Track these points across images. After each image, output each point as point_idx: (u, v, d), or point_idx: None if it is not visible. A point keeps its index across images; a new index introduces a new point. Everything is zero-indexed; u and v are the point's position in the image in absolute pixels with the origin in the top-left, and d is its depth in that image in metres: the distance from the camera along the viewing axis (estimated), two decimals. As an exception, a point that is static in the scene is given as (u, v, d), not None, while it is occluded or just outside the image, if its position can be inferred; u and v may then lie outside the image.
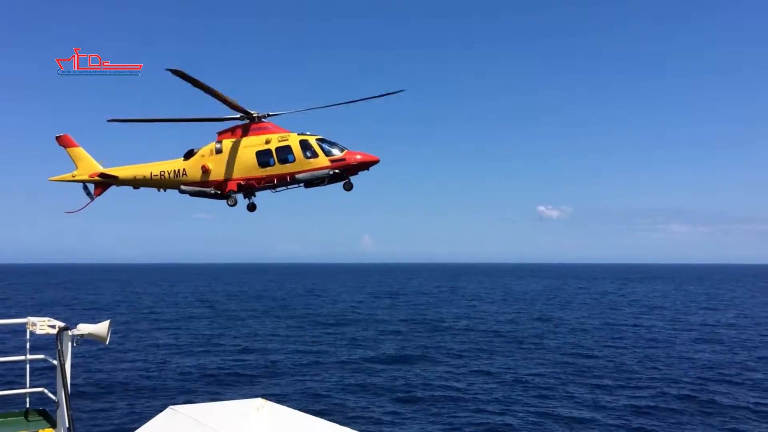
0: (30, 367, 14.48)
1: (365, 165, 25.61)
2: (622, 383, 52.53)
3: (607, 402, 46.40)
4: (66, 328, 12.15)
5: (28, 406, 14.97)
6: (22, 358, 14.31)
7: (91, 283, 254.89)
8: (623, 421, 41.56)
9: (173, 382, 53.21)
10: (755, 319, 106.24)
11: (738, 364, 61.30)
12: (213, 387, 51.29)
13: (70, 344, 12.25)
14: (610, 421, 41.51)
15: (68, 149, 27.41)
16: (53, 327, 12.40)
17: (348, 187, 25.74)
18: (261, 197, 27.24)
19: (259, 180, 25.99)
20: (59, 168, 27.91)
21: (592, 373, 56.94)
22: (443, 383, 52.71)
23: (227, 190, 26.16)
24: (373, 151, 25.89)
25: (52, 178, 27.51)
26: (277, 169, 25.66)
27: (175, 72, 22.63)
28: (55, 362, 12.21)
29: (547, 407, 44.98)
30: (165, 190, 27.39)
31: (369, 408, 44.96)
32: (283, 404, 12.20)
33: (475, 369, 58.95)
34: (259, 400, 11.84)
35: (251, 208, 27.07)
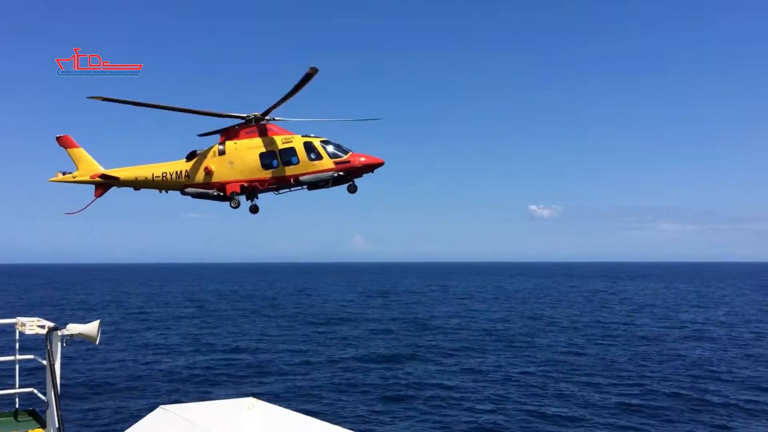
0: (19, 368, 14.41)
1: (369, 167, 25.42)
2: (613, 381, 52.72)
3: (598, 400, 46.56)
4: (55, 328, 12.09)
5: (17, 406, 14.90)
6: (11, 358, 14.24)
7: (81, 283, 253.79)
8: (614, 420, 41.72)
9: (163, 381, 53.04)
10: (745, 316, 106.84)
11: (728, 362, 61.63)
12: (204, 386, 51.16)
13: (59, 344, 12.19)
14: (601, 420, 41.66)
15: (69, 150, 27.07)
16: (43, 327, 12.34)
17: (352, 189, 25.51)
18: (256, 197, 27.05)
19: (262, 182, 25.76)
20: (59, 169, 27.50)
21: (583, 371, 57.13)
22: (434, 382, 52.76)
23: (230, 192, 25.92)
24: (367, 150, 25.79)
25: (52, 179, 27.19)
26: (281, 171, 25.44)
27: (101, 98, 22.64)
28: (44, 362, 12.15)
29: (538, 405, 45.09)
30: (167, 192, 27.09)
31: (360, 407, 44.96)
32: (273, 403, 12.18)
33: (466, 367, 59.03)
34: (250, 399, 11.81)
35: (254, 210, 26.83)
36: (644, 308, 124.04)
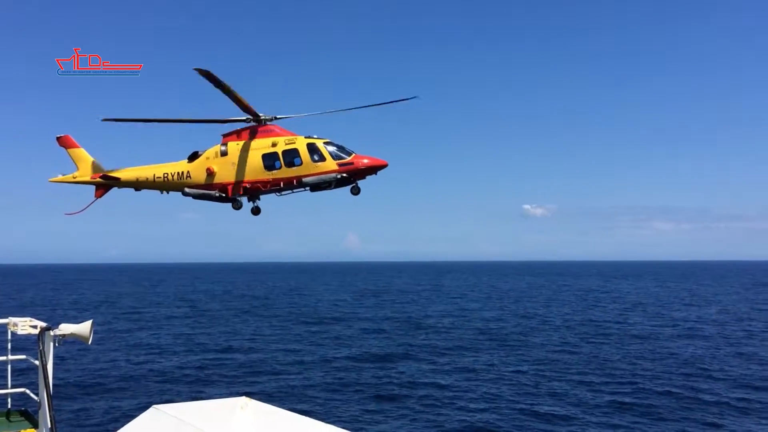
0: (11, 368, 14.36)
1: (373, 169, 25.23)
2: (606, 380, 52.89)
3: (591, 399, 46.72)
4: (48, 329, 12.06)
5: (9, 406, 14.86)
6: (3, 358, 14.18)
7: (74, 283, 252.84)
8: (606, 418, 41.88)
9: (156, 381, 52.94)
10: (737, 315, 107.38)
11: (720, 360, 61.91)
12: (196, 386, 51.09)
13: (52, 344, 12.16)
14: (594, 419, 41.81)
15: (69, 150, 26.93)
16: (35, 327, 12.31)
17: (355, 191, 25.27)
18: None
19: (265, 183, 25.54)
20: (59, 169, 27.44)
21: (576, 369, 57.29)
22: (427, 381, 52.83)
23: (232, 193, 25.76)
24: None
25: (52, 179, 27.05)
26: (284, 172, 25.22)
27: (202, 72, 22.29)
28: (36, 362, 12.12)
29: (531, 404, 45.21)
30: (168, 193, 26.88)
31: (353, 406, 44.99)
32: (266, 402, 12.19)
33: (459, 366, 59.11)
34: (243, 399, 11.80)
35: (255, 211, 26.58)
36: (637, 307, 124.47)
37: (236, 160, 25.68)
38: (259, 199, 26.43)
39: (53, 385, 12.04)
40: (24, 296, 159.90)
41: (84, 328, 12.02)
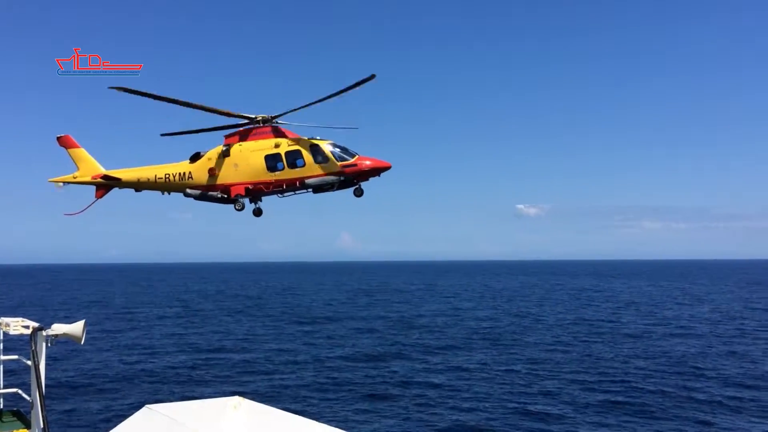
0: (3, 368, 14.33)
1: (376, 171, 25.05)
2: (598, 378, 53.06)
3: (583, 397, 46.86)
4: (40, 329, 12.03)
5: (1, 407, 14.82)
6: None
7: (67, 283, 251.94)
8: (599, 417, 42.02)
9: (149, 381, 52.84)
10: (729, 314, 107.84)
11: (712, 359, 62.18)
12: (189, 385, 51.02)
13: (44, 344, 12.13)
14: (587, 418, 41.95)
15: (69, 150, 26.68)
16: (27, 327, 12.27)
17: (358, 193, 25.05)
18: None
19: (267, 184, 25.28)
20: (59, 169, 27.22)
21: (569, 368, 57.45)
22: (420, 380, 52.89)
23: (234, 194, 25.46)
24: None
25: (52, 179, 26.79)
26: (287, 173, 24.99)
27: (121, 89, 22.25)
28: (29, 363, 12.10)
29: (524, 403, 45.31)
30: (169, 194, 26.65)
31: (345, 405, 45.02)
32: (259, 402, 12.20)
33: (452, 366, 59.20)
34: (236, 398, 11.80)
35: (257, 213, 26.32)
36: (630, 306, 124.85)
37: (239, 162, 25.42)
38: (261, 201, 26.17)
39: (45, 385, 12.02)
40: (17, 296, 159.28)
41: (76, 328, 12.00)
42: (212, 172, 25.71)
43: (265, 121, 25.72)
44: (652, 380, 52.38)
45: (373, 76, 23.87)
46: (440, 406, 44.48)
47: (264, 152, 25.24)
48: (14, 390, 14.33)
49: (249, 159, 25.34)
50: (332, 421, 37.17)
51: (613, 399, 46.24)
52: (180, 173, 26.16)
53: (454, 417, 41.81)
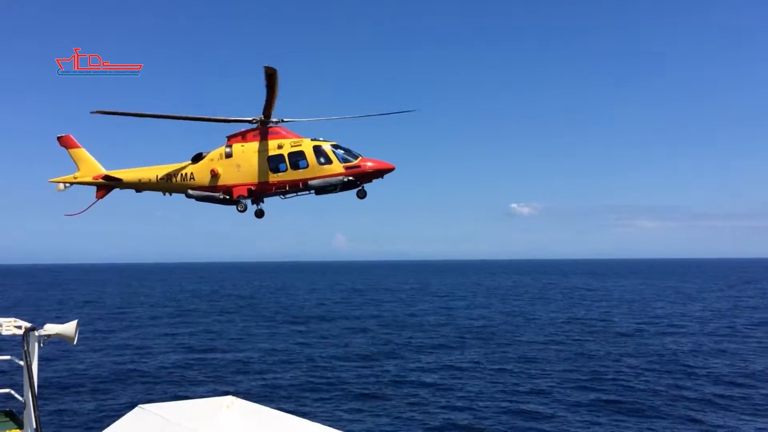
0: None
1: (380, 173, 24.82)
2: (590, 377, 53.24)
3: (575, 396, 47.03)
4: (33, 329, 12.00)
5: None
6: None
7: (60, 283, 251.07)
8: (591, 416, 42.19)
9: (142, 380, 52.74)
10: (720, 312, 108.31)
11: (703, 357, 62.47)
12: (182, 385, 50.96)
13: (36, 345, 12.11)
14: (578, 417, 42.11)
15: (70, 150, 26.48)
16: (19, 327, 12.24)
17: (361, 195, 24.84)
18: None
19: (270, 186, 25.06)
20: (60, 170, 27.07)
21: (561, 367, 57.62)
22: (412, 379, 52.99)
23: (237, 195, 25.29)
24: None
25: (52, 180, 26.61)
26: (290, 174, 24.76)
27: (104, 112, 22.34)
28: (21, 363, 12.07)
29: (516, 402, 45.45)
30: (170, 194, 26.44)
31: (339, 404, 45.06)
32: (253, 401, 12.22)
33: (445, 364, 59.32)
34: (230, 398, 11.81)
35: (259, 214, 26.16)
36: (622, 305, 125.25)
37: (241, 162, 25.22)
38: (263, 202, 26.00)
39: (38, 385, 12.01)
40: (12, 296, 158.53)
41: (69, 328, 11.98)
42: (214, 173, 25.48)
43: (267, 122, 25.41)
44: (644, 379, 52.60)
45: (414, 110, 23.86)
46: (433, 405, 44.57)
47: (267, 153, 25.03)
48: (6, 390, 14.29)
49: (251, 160, 25.13)
50: (325, 420, 37.20)
51: (604, 398, 46.42)
52: (182, 174, 25.95)
53: (447, 416, 41.91)
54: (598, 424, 40.33)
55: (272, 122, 25.36)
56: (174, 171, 26.13)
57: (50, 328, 12.03)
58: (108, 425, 11.00)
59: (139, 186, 26.38)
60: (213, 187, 25.59)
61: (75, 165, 26.57)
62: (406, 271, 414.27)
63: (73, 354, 61.41)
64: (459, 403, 45.09)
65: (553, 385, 50.27)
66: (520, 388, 49.50)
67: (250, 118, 25.34)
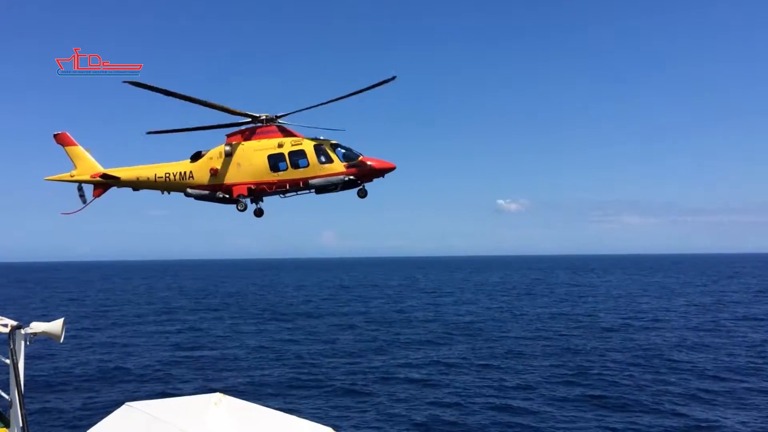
0: None
1: (381, 172, 24.67)
2: (576, 372, 53.55)
3: (561, 391, 47.29)
4: (18, 327, 11.96)
5: None
6: None
7: (46, 281, 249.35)
8: (578, 412, 42.47)
9: (129, 378, 52.56)
10: (704, 306, 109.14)
11: (687, 351, 62.96)
12: (170, 382, 50.81)
13: (22, 343, 12.08)
14: (564, 412, 42.38)
15: (66, 148, 26.31)
16: (5, 326, 12.20)
17: (362, 194, 24.68)
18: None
19: (270, 185, 24.90)
20: (60, 169, 26.84)
21: (547, 362, 57.92)
22: (400, 376, 53.10)
23: (236, 194, 25.13)
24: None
25: (48, 178, 26.44)
26: (290, 173, 24.61)
27: (134, 83, 21.84)
28: (7, 361, 12.04)
29: (503, 397, 45.67)
30: (169, 193, 26.26)
31: (326, 400, 45.11)
32: (240, 398, 12.25)
33: (432, 360, 59.46)
34: (217, 395, 11.85)
35: (258, 213, 25.87)
36: (608, 300, 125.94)
37: (241, 161, 25.07)
38: (262, 201, 25.78)
39: (24, 383, 11.99)
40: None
41: (55, 326, 11.95)
42: (214, 172, 25.35)
43: (268, 120, 25.30)
44: (629, 373, 52.98)
45: (393, 78, 23.67)
46: (420, 401, 44.72)
47: (267, 152, 24.87)
48: None
49: (252, 159, 24.99)
50: (313, 416, 37.15)
51: (590, 392, 46.70)
52: (180, 172, 25.82)
53: (434, 411, 42.06)
54: (584, 418, 40.60)
55: (270, 120, 25.17)
56: (173, 169, 25.99)
57: (36, 326, 12.00)
58: (95, 423, 11.02)
59: (136, 184, 26.23)
60: (212, 185, 25.49)
61: (72, 163, 26.38)
62: (393, 267, 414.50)
63: (59, 352, 61.08)
64: (446, 399, 45.26)
65: (540, 381, 50.55)
66: (507, 384, 49.74)
67: (256, 115, 25.14)
